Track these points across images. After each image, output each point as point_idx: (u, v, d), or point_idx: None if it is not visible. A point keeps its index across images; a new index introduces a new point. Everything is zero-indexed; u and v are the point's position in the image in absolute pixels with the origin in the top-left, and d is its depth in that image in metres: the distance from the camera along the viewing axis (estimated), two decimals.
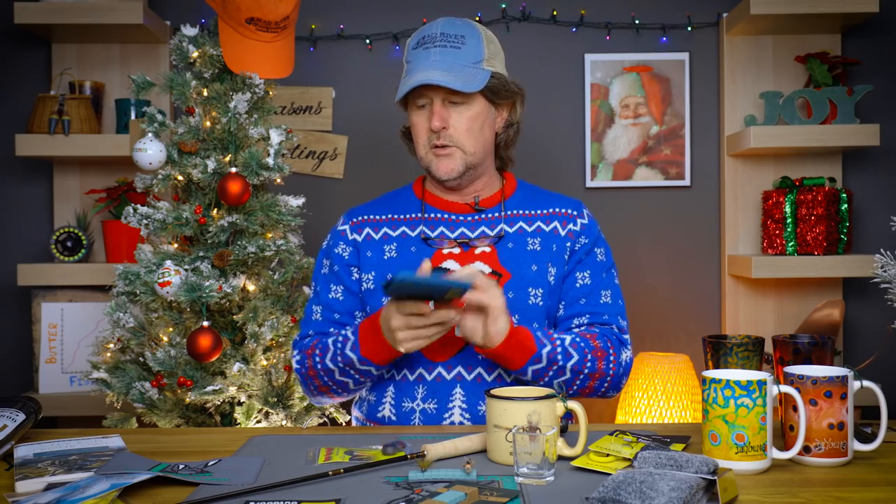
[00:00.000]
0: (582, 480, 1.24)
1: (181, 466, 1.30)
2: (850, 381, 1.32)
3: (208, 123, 2.22)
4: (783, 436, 1.37)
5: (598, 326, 1.75)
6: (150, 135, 2.19)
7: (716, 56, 2.95)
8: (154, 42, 2.86)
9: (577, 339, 1.67)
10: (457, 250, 1.76)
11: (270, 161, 2.20)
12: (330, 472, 1.25)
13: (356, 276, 1.81)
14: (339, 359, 1.68)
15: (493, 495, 1.17)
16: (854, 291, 2.91)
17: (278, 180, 2.25)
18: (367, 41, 2.93)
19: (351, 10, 2.95)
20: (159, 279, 2.11)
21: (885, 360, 1.96)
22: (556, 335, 1.66)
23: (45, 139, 2.64)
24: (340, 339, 1.69)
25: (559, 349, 1.63)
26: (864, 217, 2.92)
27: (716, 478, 1.13)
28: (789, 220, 2.70)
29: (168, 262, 2.14)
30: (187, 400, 2.15)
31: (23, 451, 1.38)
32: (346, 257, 1.82)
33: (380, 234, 1.81)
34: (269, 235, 2.24)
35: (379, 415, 1.73)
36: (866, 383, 1.36)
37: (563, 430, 1.44)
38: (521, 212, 1.81)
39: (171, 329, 2.20)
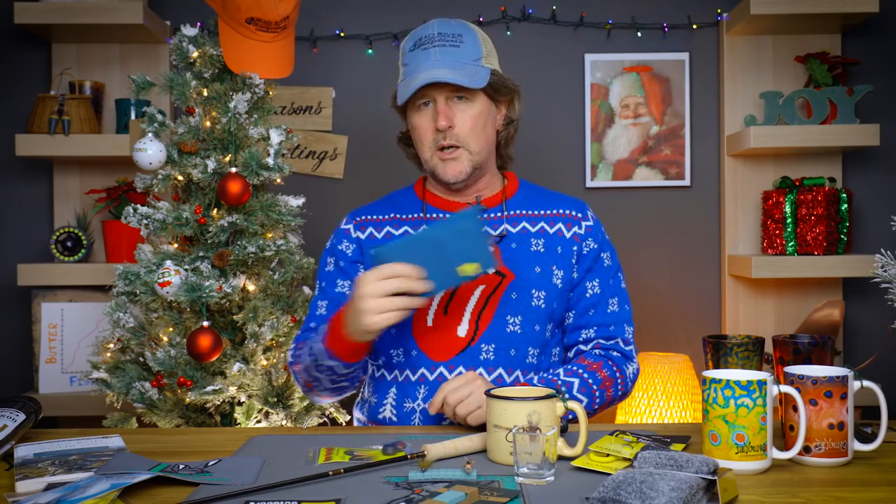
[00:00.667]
0: (582, 480, 1.24)
1: (181, 466, 1.30)
2: (850, 381, 1.32)
3: (208, 123, 2.22)
4: (783, 436, 1.37)
5: (604, 342, 1.76)
6: (150, 135, 2.19)
7: (716, 56, 2.95)
8: (154, 42, 2.86)
9: (585, 377, 1.67)
10: None
11: (270, 161, 2.20)
12: (330, 472, 1.25)
13: (362, 272, 1.81)
14: (313, 350, 1.67)
15: (493, 495, 1.17)
16: (854, 291, 2.91)
17: (278, 180, 2.25)
18: (368, 41, 2.93)
19: (351, 10, 2.95)
20: (159, 279, 2.11)
21: (885, 360, 1.96)
22: (561, 381, 1.66)
23: (45, 139, 2.64)
24: (319, 330, 1.69)
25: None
26: (864, 217, 2.92)
27: (716, 478, 1.13)
28: (789, 220, 2.70)
29: (168, 262, 2.13)
30: (187, 400, 2.15)
31: (23, 451, 1.38)
32: (351, 254, 1.82)
33: (382, 234, 1.81)
34: (269, 235, 2.24)
35: (380, 416, 1.73)
36: (866, 383, 1.36)
37: (563, 430, 1.44)
38: (523, 212, 1.80)
39: (171, 329, 2.20)
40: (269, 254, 2.19)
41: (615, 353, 1.76)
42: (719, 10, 2.92)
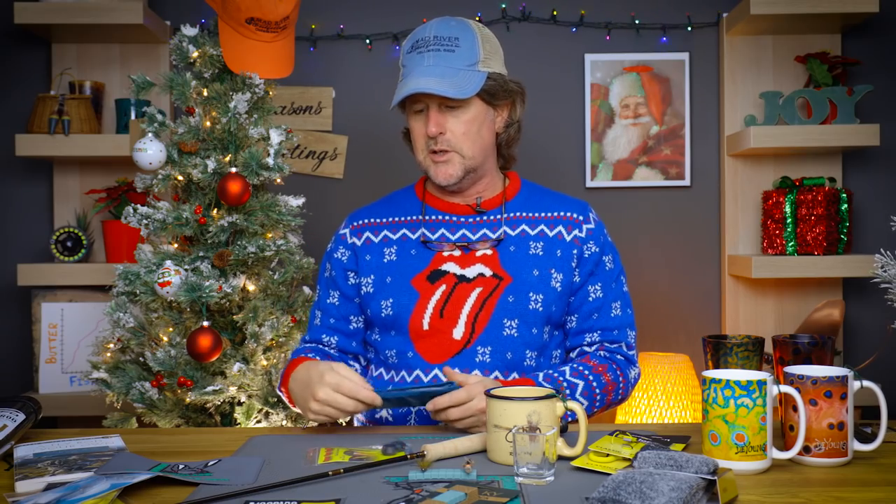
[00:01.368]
0: (582, 480, 1.24)
1: (181, 466, 1.30)
2: (850, 381, 1.32)
3: (208, 123, 2.22)
4: (783, 436, 1.37)
5: (608, 345, 1.76)
6: (150, 135, 2.19)
7: (716, 56, 2.95)
8: (154, 42, 2.86)
9: (590, 380, 1.67)
10: (457, 253, 1.75)
11: (270, 161, 2.20)
12: (330, 472, 1.25)
13: (353, 280, 1.81)
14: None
15: (493, 495, 1.17)
16: (854, 291, 2.91)
17: (278, 180, 2.25)
18: (367, 41, 2.93)
19: (351, 10, 2.95)
20: (159, 279, 2.11)
21: (885, 360, 1.96)
22: (566, 381, 1.65)
23: (45, 139, 2.64)
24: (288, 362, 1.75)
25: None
26: (864, 217, 2.92)
27: (716, 478, 1.13)
28: (789, 220, 2.70)
29: (168, 262, 2.13)
30: (187, 400, 2.15)
31: (23, 451, 1.38)
32: (345, 262, 1.83)
33: (379, 238, 1.81)
34: (269, 235, 2.24)
35: (377, 415, 1.74)
36: (866, 383, 1.36)
37: (563, 430, 1.44)
38: (523, 214, 1.80)
39: (171, 329, 2.20)
40: (269, 254, 2.19)
41: (619, 357, 1.76)
42: (719, 11, 2.92)
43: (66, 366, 2.75)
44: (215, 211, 2.21)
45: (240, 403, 2.21)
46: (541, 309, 1.72)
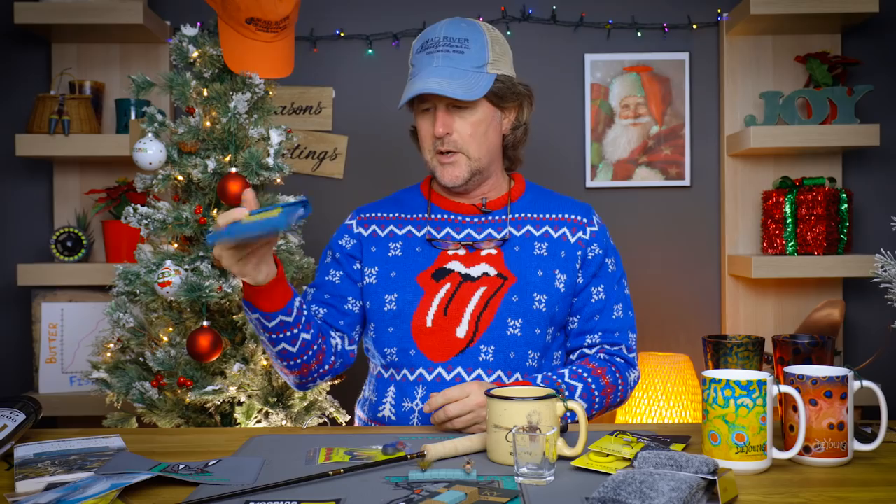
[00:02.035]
0: (582, 480, 1.24)
1: (181, 466, 1.30)
2: (850, 381, 1.32)
3: (208, 123, 2.22)
4: (783, 436, 1.37)
5: (608, 347, 1.77)
6: (150, 135, 2.19)
7: (716, 56, 2.95)
8: (154, 42, 2.86)
9: (589, 383, 1.67)
10: (462, 252, 1.76)
11: (270, 161, 2.20)
12: (330, 472, 1.25)
13: (357, 266, 1.81)
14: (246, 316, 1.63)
15: (493, 495, 1.17)
16: (854, 291, 2.91)
17: (278, 180, 2.25)
18: (368, 41, 2.93)
19: (351, 10, 2.95)
20: (159, 279, 2.11)
21: (885, 360, 1.96)
22: (565, 383, 1.66)
23: (45, 139, 2.64)
24: None
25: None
26: (864, 217, 2.92)
27: (716, 478, 1.13)
28: (789, 220, 2.70)
29: (168, 262, 2.13)
30: (187, 400, 2.15)
31: (23, 451, 1.38)
32: (349, 248, 1.83)
33: (385, 232, 1.82)
34: None
35: (380, 414, 1.74)
36: (866, 383, 1.36)
37: (563, 430, 1.44)
38: (528, 215, 1.80)
39: (171, 329, 2.20)
40: None
41: (619, 360, 1.76)
42: (719, 10, 2.92)
43: (66, 366, 2.75)
44: (215, 211, 2.21)
45: (240, 403, 2.21)
46: (544, 309, 1.72)
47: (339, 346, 1.77)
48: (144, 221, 2.16)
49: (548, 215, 1.80)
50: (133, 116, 2.66)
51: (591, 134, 2.94)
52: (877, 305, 2.83)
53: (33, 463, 1.32)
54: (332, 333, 1.78)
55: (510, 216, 1.79)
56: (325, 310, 1.80)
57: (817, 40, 2.87)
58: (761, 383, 1.27)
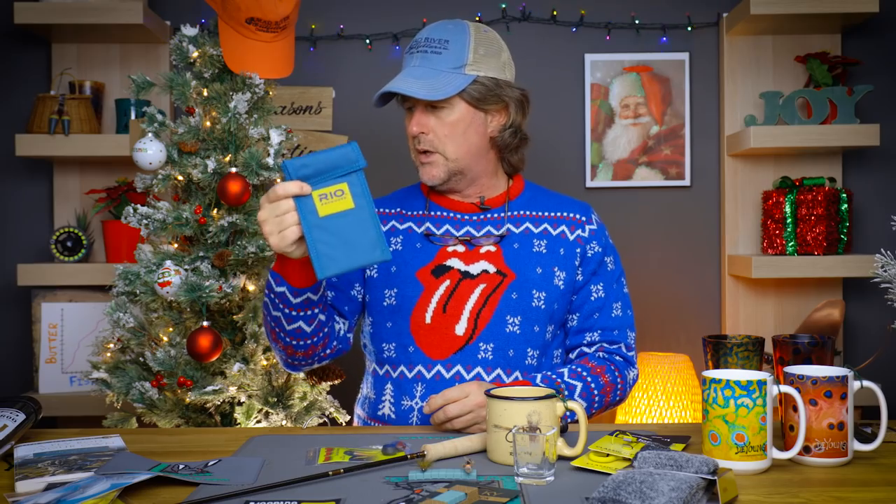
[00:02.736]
0: (582, 480, 1.24)
1: (181, 466, 1.30)
2: (850, 381, 1.32)
3: (208, 123, 2.22)
4: (783, 436, 1.37)
5: (607, 346, 1.77)
6: (150, 135, 2.19)
7: (716, 56, 2.95)
8: (154, 42, 2.86)
9: (588, 381, 1.67)
10: (461, 248, 1.76)
11: (270, 161, 2.20)
12: (330, 472, 1.25)
13: None
14: (268, 282, 1.60)
15: (493, 495, 1.17)
16: (854, 291, 2.91)
17: (278, 180, 2.25)
18: (367, 41, 2.93)
19: (351, 10, 2.95)
20: (159, 279, 2.11)
21: (885, 360, 1.96)
22: (564, 382, 1.65)
23: (45, 139, 2.64)
24: None
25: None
26: (864, 217, 2.92)
27: (716, 478, 1.13)
28: (789, 220, 2.70)
29: (168, 262, 2.13)
30: (187, 400, 2.15)
31: (23, 451, 1.38)
32: None
33: (387, 227, 1.83)
34: None
35: (379, 412, 1.74)
36: (866, 383, 1.36)
37: (563, 430, 1.44)
38: (527, 212, 1.81)
39: (171, 329, 2.20)
40: (269, 254, 2.19)
41: (618, 358, 1.76)
42: (719, 11, 2.92)
43: (66, 366, 2.75)
44: (215, 211, 2.21)
45: (240, 403, 2.21)
46: (543, 306, 1.72)
47: (341, 332, 1.77)
48: (144, 221, 2.16)
49: (547, 213, 1.81)
50: (133, 116, 2.67)
51: (591, 134, 2.94)
52: (877, 305, 2.83)
53: (33, 463, 1.32)
54: (336, 318, 1.78)
55: (509, 213, 1.79)
56: (332, 293, 1.79)
57: (817, 40, 2.87)
58: (761, 383, 1.27)
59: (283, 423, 2.20)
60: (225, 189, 2.13)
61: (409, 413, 1.70)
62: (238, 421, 2.19)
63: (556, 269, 1.75)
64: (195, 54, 2.23)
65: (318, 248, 1.39)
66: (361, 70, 2.94)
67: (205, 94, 2.23)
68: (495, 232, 1.77)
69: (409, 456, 1.32)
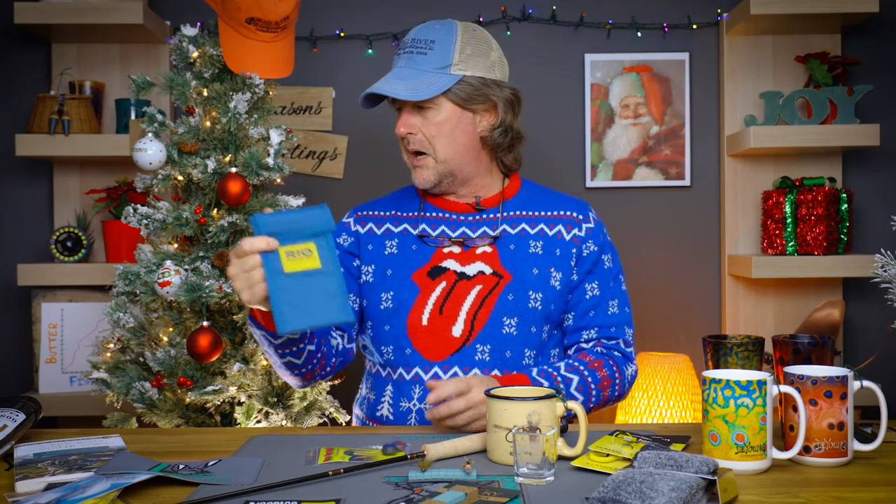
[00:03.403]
0: (582, 480, 1.24)
1: (181, 466, 1.30)
2: (850, 381, 1.32)
3: (208, 123, 2.22)
4: (783, 436, 1.37)
5: (605, 342, 1.76)
6: (150, 135, 2.19)
7: (716, 56, 2.95)
8: (154, 42, 2.86)
9: (584, 375, 1.67)
10: (457, 249, 1.76)
11: (270, 161, 2.20)
12: (330, 472, 1.25)
13: (357, 263, 1.82)
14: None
15: (493, 495, 1.17)
16: (854, 291, 2.91)
17: (278, 180, 2.25)
18: (368, 41, 2.93)
19: (351, 10, 2.95)
20: (159, 279, 2.11)
21: (885, 360, 1.96)
22: (561, 376, 1.65)
23: (45, 139, 2.64)
24: None
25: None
26: (864, 217, 2.92)
27: (716, 478, 1.13)
28: (789, 220, 2.70)
29: (168, 262, 2.13)
30: (187, 400, 2.15)
31: (23, 451, 1.38)
32: (347, 245, 1.83)
33: (382, 230, 1.82)
34: None
35: (378, 413, 1.74)
36: (866, 383, 1.36)
37: (563, 430, 1.44)
38: (523, 213, 1.80)
39: (171, 329, 2.20)
40: None
41: (616, 353, 1.76)
42: (719, 10, 2.92)
43: (66, 366, 2.75)
44: (215, 211, 2.21)
45: (240, 403, 2.21)
46: (540, 307, 1.72)
47: (340, 346, 1.77)
48: (144, 221, 2.16)
49: (543, 213, 1.80)
50: (133, 116, 2.66)
51: (591, 134, 2.94)
52: (877, 305, 2.83)
53: (33, 463, 1.32)
54: (333, 332, 1.77)
55: (504, 214, 1.79)
56: None
57: (817, 40, 2.87)
58: (761, 383, 1.27)
59: (283, 423, 2.20)
60: (225, 189, 2.13)
61: (407, 414, 1.70)
62: (238, 421, 2.19)
63: (552, 269, 1.74)
64: (195, 54, 2.23)
65: (280, 304, 1.36)
66: (361, 70, 2.94)
67: (205, 94, 2.23)
68: (491, 232, 1.77)
69: (409, 456, 1.32)
